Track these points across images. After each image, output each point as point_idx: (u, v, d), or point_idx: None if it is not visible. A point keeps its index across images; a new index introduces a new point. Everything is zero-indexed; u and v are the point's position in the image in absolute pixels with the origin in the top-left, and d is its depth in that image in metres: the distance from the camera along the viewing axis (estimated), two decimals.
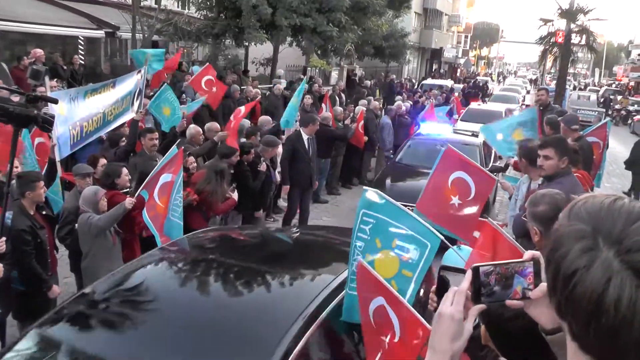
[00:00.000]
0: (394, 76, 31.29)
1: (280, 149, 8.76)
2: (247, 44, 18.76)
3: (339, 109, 12.84)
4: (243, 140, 8.44)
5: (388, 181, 9.59)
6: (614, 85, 48.10)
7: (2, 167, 4.99)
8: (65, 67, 13.79)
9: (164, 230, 5.46)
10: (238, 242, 4.87)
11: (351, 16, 19.49)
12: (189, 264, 3.96)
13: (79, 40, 16.87)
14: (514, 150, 6.83)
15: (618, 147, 16.72)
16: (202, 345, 2.84)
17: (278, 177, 8.76)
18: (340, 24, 18.54)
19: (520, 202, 5.28)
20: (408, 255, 3.29)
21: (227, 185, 6.67)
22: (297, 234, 5.59)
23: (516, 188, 5.77)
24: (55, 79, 11.04)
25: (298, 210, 9.05)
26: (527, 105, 17.94)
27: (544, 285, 1.29)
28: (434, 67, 50.93)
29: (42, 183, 5.12)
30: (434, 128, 11.94)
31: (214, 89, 10.74)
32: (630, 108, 31.37)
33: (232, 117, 9.41)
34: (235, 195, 6.73)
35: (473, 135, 12.38)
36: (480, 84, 36.87)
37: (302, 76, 20.13)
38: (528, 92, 40.30)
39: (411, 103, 17.60)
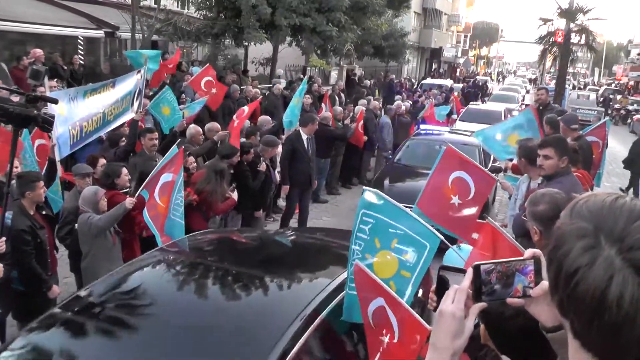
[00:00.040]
0: (394, 76, 31.29)
1: (279, 149, 8.76)
2: (246, 43, 18.76)
3: (338, 108, 12.84)
4: (243, 140, 8.43)
5: (386, 182, 9.54)
6: (613, 85, 48.14)
7: (1, 169, 5.00)
8: (65, 68, 13.78)
9: (164, 229, 5.46)
10: (235, 245, 4.85)
11: (350, 16, 19.49)
12: (185, 266, 3.95)
13: (79, 40, 16.86)
14: (511, 154, 6.81)
15: (617, 147, 16.73)
16: (196, 347, 2.83)
17: (278, 177, 8.76)
18: (340, 23, 18.54)
19: (520, 201, 5.28)
20: (407, 256, 3.28)
21: (227, 185, 6.67)
22: (295, 236, 5.56)
23: (516, 188, 5.77)
24: (55, 79, 11.03)
25: (297, 211, 9.06)
26: (526, 105, 17.89)
27: (544, 283, 1.30)
28: (434, 66, 50.93)
29: (41, 183, 5.12)
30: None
31: (213, 90, 10.73)
32: (630, 107, 31.40)
33: (235, 117, 9.39)
34: (235, 195, 6.73)
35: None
36: (480, 84, 36.86)
37: (301, 76, 20.13)
38: (528, 92, 40.30)
39: (411, 103, 17.62)
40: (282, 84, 16.53)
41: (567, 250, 1.03)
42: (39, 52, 12.07)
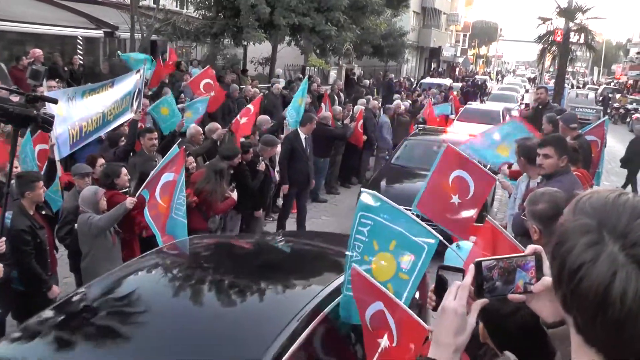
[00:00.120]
0: (393, 75, 31.30)
1: (278, 148, 8.77)
2: (245, 43, 18.76)
3: (338, 108, 12.83)
4: (242, 139, 8.44)
5: (383, 183, 9.41)
6: (612, 84, 48.10)
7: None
8: (66, 69, 13.79)
9: (166, 229, 5.47)
10: (229, 250, 4.80)
11: (349, 15, 19.49)
12: (178, 270, 3.93)
13: (78, 40, 16.86)
14: (503, 158, 6.73)
15: (617, 146, 16.74)
16: (185, 352, 2.82)
17: (277, 177, 8.77)
18: (339, 23, 18.54)
19: (520, 200, 5.28)
20: (405, 258, 3.27)
21: (227, 185, 6.67)
22: (291, 242, 5.48)
23: (515, 187, 5.77)
24: (56, 79, 11.03)
25: (295, 211, 9.06)
26: (526, 105, 17.86)
27: (545, 279, 1.31)
28: (433, 66, 50.93)
29: (41, 183, 5.12)
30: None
31: (212, 93, 10.69)
32: (629, 106, 31.41)
33: (239, 117, 9.35)
34: (234, 195, 6.73)
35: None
36: (479, 83, 36.88)
37: (300, 76, 20.14)
38: (527, 91, 40.28)
39: (410, 102, 17.61)
40: (281, 83, 16.53)
41: (571, 247, 1.04)
42: (38, 52, 12.07)
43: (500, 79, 64.48)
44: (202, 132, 8.29)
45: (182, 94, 12.47)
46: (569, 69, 43.14)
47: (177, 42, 18.37)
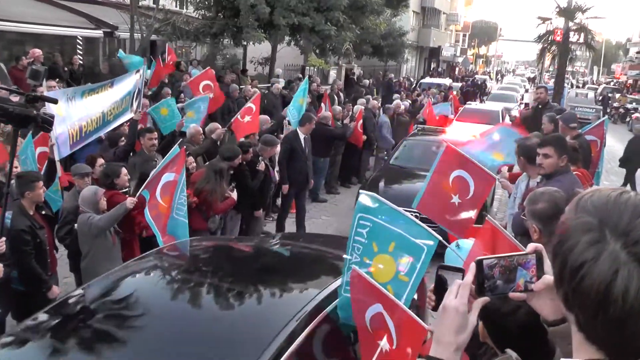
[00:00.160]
0: (392, 75, 31.31)
1: (278, 148, 8.77)
2: (245, 43, 18.77)
3: (338, 108, 12.84)
4: (241, 139, 8.44)
5: (381, 184, 9.33)
6: (612, 83, 48.09)
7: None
8: (65, 69, 13.79)
9: (167, 229, 5.46)
10: (228, 252, 4.77)
11: (349, 15, 19.50)
12: (174, 272, 3.91)
13: (77, 40, 16.86)
14: (499, 162, 6.70)
15: (616, 145, 16.75)
16: (179, 354, 2.82)
17: (277, 176, 8.77)
18: (339, 23, 18.55)
19: (519, 200, 5.29)
20: (405, 259, 3.25)
21: (226, 185, 6.67)
22: (289, 245, 5.44)
23: (515, 186, 5.77)
24: (57, 79, 11.04)
25: (294, 211, 9.06)
26: (526, 104, 17.85)
27: (546, 278, 1.31)
28: (432, 65, 50.94)
29: (41, 183, 5.12)
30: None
31: (210, 95, 10.67)
32: (629, 106, 31.41)
33: (240, 116, 9.33)
34: (234, 195, 6.73)
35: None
36: (479, 83, 36.90)
37: (300, 75, 20.15)
38: (527, 91, 40.28)
39: (410, 102, 17.61)
40: (281, 83, 16.54)
41: (573, 245, 1.04)
42: (37, 52, 12.08)
43: (499, 78, 64.46)
44: (202, 132, 8.29)
45: (182, 94, 12.49)
46: (569, 68, 43.10)
47: (177, 42, 18.37)
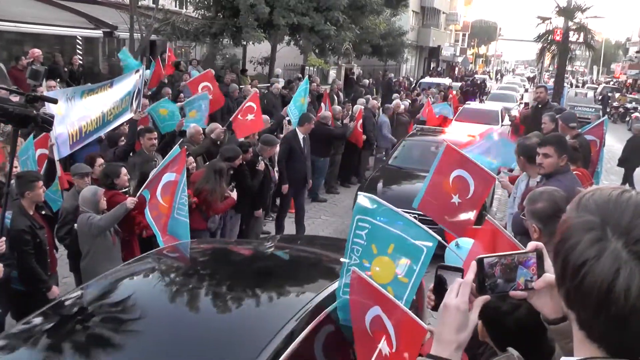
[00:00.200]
0: (392, 75, 31.33)
1: (277, 148, 8.77)
2: (244, 43, 18.77)
3: (337, 107, 12.84)
4: (241, 139, 8.44)
5: (380, 185, 9.25)
6: (611, 83, 48.10)
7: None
8: (66, 69, 13.80)
9: (168, 229, 5.46)
10: (225, 255, 4.74)
11: (349, 15, 19.51)
12: (173, 273, 3.90)
13: (77, 40, 16.86)
14: (495, 164, 6.69)
15: (616, 145, 16.74)
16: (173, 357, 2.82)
17: (277, 176, 8.77)
18: (338, 22, 18.56)
19: (519, 200, 5.29)
20: (404, 261, 3.24)
21: (226, 184, 6.68)
22: (286, 248, 5.38)
23: (515, 186, 5.78)
24: (57, 79, 11.04)
25: (293, 211, 9.07)
26: (526, 104, 17.83)
27: (547, 276, 1.32)
28: (432, 65, 50.96)
29: (41, 183, 5.12)
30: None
31: (210, 97, 10.64)
32: (628, 105, 31.39)
33: (240, 115, 9.31)
34: (234, 195, 6.73)
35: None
36: (478, 82, 36.91)
37: (300, 75, 20.15)
38: (526, 90, 40.28)
39: (409, 102, 17.61)
40: (281, 83, 16.55)
41: (575, 243, 1.05)
42: (37, 52, 12.07)
43: (499, 78, 64.49)
44: (202, 132, 8.29)
45: (182, 94, 12.50)
46: (568, 68, 43.17)
47: (177, 42, 18.37)
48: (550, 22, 28.52)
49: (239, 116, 9.29)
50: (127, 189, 5.85)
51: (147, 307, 3.31)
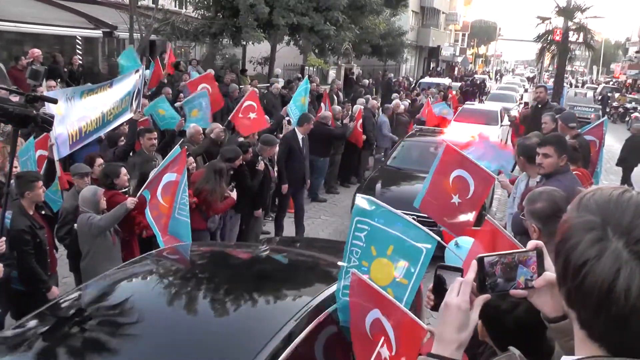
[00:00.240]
0: (392, 75, 31.33)
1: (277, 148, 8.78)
2: (244, 43, 18.78)
3: (337, 107, 12.85)
4: (241, 139, 8.44)
5: (378, 186, 9.19)
6: (611, 83, 48.13)
7: None
8: (66, 70, 13.80)
9: (169, 229, 5.46)
10: (223, 259, 4.69)
11: (348, 15, 19.52)
12: (168, 275, 3.88)
13: (77, 40, 16.86)
14: (494, 166, 6.69)
15: (616, 145, 16.73)
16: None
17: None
18: (338, 22, 18.56)
19: (519, 200, 5.30)
20: (403, 262, 3.23)
21: (226, 184, 6.68)
22: (284, 252, 5.32)
23: (515, 186, 5.78)
24: (58, 79, 11.04)
25: (292, 210, 9.07)
26: (525, 103, 17.83)
27: (547, 274, 1.32)
28: (432, 65, 50.97)
29: (40, 183, 5.12)
30: None
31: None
32: (628, 105, 31.40)
33: (240, 113, 9.29)
34: (234, 195, 6.73)
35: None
36: (478, 82, 36.94)
37: (299, 75, 20.15)
38: (526, 90, 40.29)
39: (409, 101, 17.61)
40: (280, 83, 16.55)
41: (575, 243, 1.05)
42: (37, 52, 12.08)
43: (499, 78, 64.52)
44: (202, 132, 8.29)
45: (181, 94, 12.50)
46: (568, 68, 43.18)
47: (176, 42, 18.37)
48: (550, 22, 28.56)
49: (239, 114, 9.28)
50: (126, 189, 5.85)
51: (143, 309, 3.28)
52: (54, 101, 3.93)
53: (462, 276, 1.45)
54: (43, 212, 5.36)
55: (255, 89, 11.95)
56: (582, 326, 1.08)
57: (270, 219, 9.38)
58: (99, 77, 13.19)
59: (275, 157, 8.76)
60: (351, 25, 19.91)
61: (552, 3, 27.08)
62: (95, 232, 5.13)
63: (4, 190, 3.47)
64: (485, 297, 1.38)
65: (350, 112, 12.63)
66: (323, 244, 6.51)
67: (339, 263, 3.44)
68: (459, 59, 57.15)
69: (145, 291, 3.57)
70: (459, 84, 33.58)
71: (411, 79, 36.62)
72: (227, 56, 20.43)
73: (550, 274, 1.31)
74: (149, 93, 11.30)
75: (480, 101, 28.74)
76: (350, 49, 24.33)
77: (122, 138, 7.51)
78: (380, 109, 14.76)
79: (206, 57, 19.97)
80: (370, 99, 15.35)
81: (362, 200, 3.47)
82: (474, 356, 2.36)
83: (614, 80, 54.00)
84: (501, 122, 16.71)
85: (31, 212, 5.03)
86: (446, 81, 31.32)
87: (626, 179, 13.01)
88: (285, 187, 8.65)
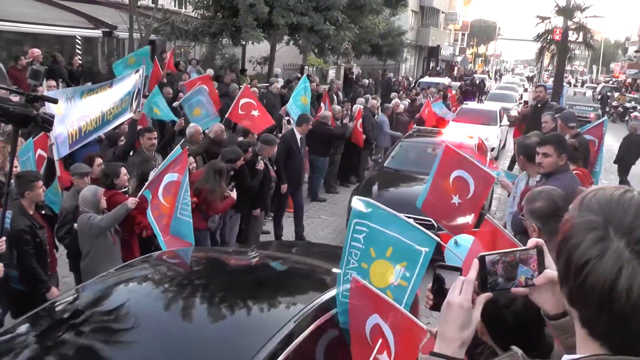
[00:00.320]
0: (391, 74, 31.32)
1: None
2: (244, 42, 18.78)
3: (337, 107, 12.85)
4: (240, 139, 8.44)
5: (375, 188, 9.14)
6: (611, 82, 48.13)
7: None
8: (66, 69, 13.80)
9: (170, 229, 5.46)
10: (218, 264, 4.71)
11: (348, 14, 19.52)
12: (165, 278, 3.88)
13: (77, 40, 16.86)
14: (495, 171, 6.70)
15: (615, 144, 16.69)
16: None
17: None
18: (337, 22, 18.56)
19: (519, 199, 5.30)
20: (402, 264, 3.23)
21: (226, 184, 6.68)
22: (281, 257, 5.29)
23: (514, 185, 5.79)
24: (60, 79, 11.04)
25: (291, 210, 9.07)
26: (525, 102, 17.83)
27: (548, 272, 1.33)
28: (431, 65, 50.95)
29: (40, 182, 5.12)
30: None
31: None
32: (627, 105, 31.41)
33: (241, 110, 9.28)
34: (233, 194, 6.74)
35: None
36: (478, 82, 36.93)
37: (299, 75, 20.13)
38: (526, 90, 40.28)
39: (409, 101, 17.61)
40: (280, 82, 16.55)
41: (577, 243, 1.06)
42: (36, 52, 12.08)
43: (498, 77, 64.48)
44: (201, 131, 8.30)
45: (181, 93, 12.49)
46: (568, 67, 43.12)
47: (176, 41, 18.36)
48: (550, 22, 28.52)
49: (238, 111, 9.27)
50: (126, 189, 5.85)
51: (139, 313, 3.26)
52: (54, 101, 3.93)
53: (461, 275, 1.46)
54: (43, 212, 5.37)
55: (250, 86, 11.97)
56: (584, 325, 1.09)
57: (270, 218, 9.37)
58: (98, 77, 13.21)
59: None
60: (351, 24, 19.91)
61: (552, 2, 27.08)
62: (95, 232, 5.14)
63: (4, 190, 3.47)
64: (487, 295, 1.39)
65: (349, 112, 12.64)
66: (320, 249, 6.47)
67: (334, 270, 3.41)
68: (459, 59, 57.15)
69: (141, 296, 3.56)
70: (458, 83, 33.58)
71: (411, 79, 36.63)
72: (226, 56, 20.43)
73: (550, 271, 1.32)
74: (148, 94, 11.29)
75: (480, 101, 28.74)
76: (349, 48, 24.32)
77: (122, 138, 7.51)
78: (380, 108, 14.75)
79: (206, 57, 19.97)
80: (370, 98, 15.34)
81: (358, 202, 3.45)
82: (473, 356, 2.36)
83: (614, 79, 54.01)
84: (500, 122, 16.70)
85: (31, 212, 5.03)
86: (446, 81, 31.31)
87: (623, 180, 13.00)
88: (284, 187, 8.66)
